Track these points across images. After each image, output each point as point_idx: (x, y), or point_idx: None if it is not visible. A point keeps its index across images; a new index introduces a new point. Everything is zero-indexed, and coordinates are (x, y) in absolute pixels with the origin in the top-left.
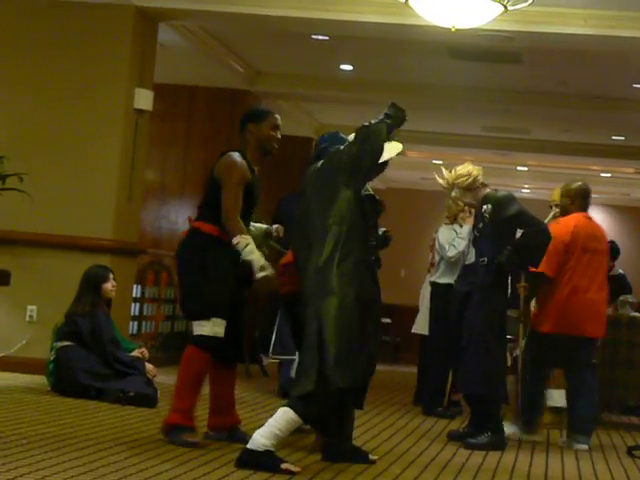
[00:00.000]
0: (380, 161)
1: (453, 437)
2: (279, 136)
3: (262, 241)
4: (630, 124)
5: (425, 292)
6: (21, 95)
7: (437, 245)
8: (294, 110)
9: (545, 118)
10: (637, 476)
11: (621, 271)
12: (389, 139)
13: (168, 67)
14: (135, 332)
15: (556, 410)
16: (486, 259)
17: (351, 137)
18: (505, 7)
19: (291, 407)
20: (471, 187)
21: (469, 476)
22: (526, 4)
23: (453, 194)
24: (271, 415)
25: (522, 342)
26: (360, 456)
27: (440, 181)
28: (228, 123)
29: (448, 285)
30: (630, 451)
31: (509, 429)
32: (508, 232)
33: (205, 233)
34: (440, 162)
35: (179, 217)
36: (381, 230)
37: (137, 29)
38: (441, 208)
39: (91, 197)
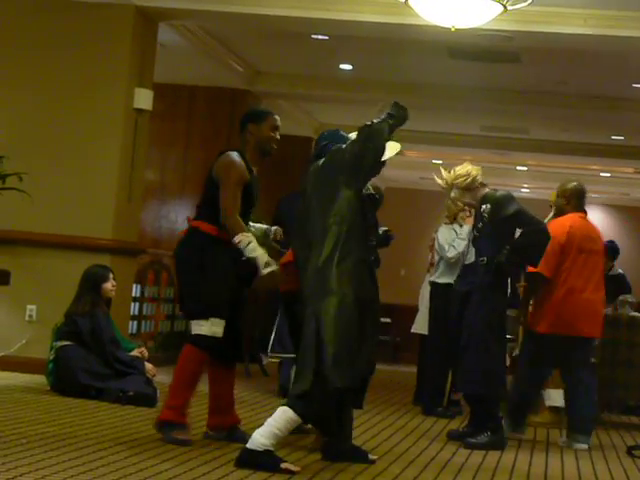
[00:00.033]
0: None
1: (453, 437)
2: (278, 137)
3: (263, 241)
4: (629, 124)
5: (425, 292)
6: (21, 95)
7: (437, 245)
8: (294, 110)
9: (544, 118)
10: (637, 476)
11: (620, 271)
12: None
13: (168, 67)
14: (135, 332)
15: (555, 410)
16: (485, 259)
17: (352, 135)
18: (504, 7)
19: (290, 406)
20: (470, 187)
21: (469, 476)
22: (525, 4)
23: (452, 194)
24: (271, 415)
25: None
26: (360, 455)
27: (439, 181)
28: (228, 123)
29: (447, 285)
30: (630, 451)
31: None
32: (507, 232)
33: (204, 232)
34: (439, 162)
35: (179, 217)
36: (382, 229)
37: (137, 29)
38: (441, 208)
39: (91, 197)
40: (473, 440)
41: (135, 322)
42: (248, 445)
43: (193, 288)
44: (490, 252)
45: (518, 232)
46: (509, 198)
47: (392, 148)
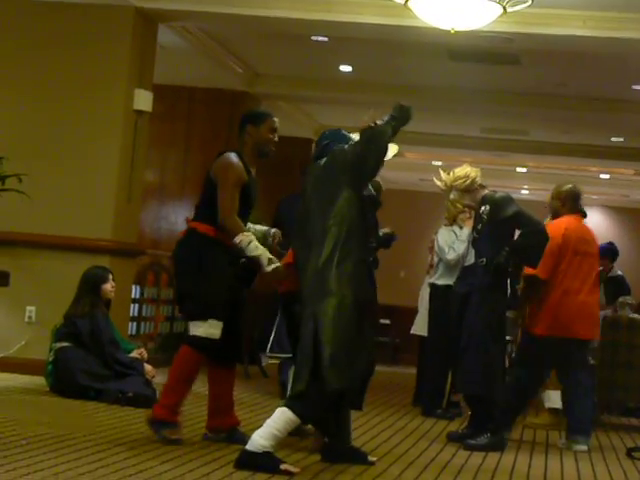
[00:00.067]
0: None
1: (452, 438)
2: (277, 139)
3: (263, 242)
4: (629, 125)
5: (424, 293)
6: (21, 96)
7: (436, 247)
8: (293, 111)
9: (544, 119)
10: (636, 478)
11: (620, 272)
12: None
13: (167, 68)
14: (134, 333)
15: (555, 411)
16: (485, 260)
17: (354, 136)
18: (504, 8)
19: (288, 407)
20: (469, 189)
21: (468, 477)
22: (525, 5)
23: (451, 196)
24: (270, 416)
25: None
26: (359, 457)
27: (438, 183)
28: (227, 124)
29: (447, 286)
30: (629, 453)
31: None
32: (506, 233)
33: (201, 233)
34: (439, 163)
35: (178, 218)
36: (383, 231)
37: (137, 30)
38: (440, 209)
39: (90, 198)
40: (473, 441)
41: (134, 323)
42: (247, 447)
43: (191, 289)
44: (489, 253)
45: (517, 233)
46: (508, 199)
47: (390, 150)
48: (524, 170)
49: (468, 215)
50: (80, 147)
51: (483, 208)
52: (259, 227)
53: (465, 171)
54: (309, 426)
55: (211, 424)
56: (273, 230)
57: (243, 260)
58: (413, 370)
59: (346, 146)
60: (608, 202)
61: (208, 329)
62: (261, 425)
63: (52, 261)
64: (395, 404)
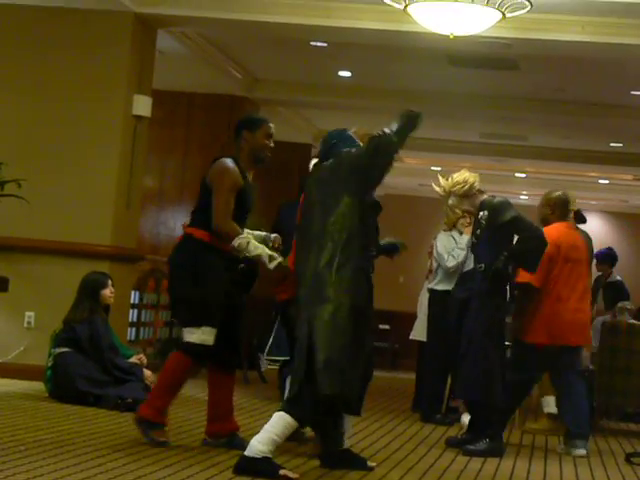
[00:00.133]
0: None
1: (451, 443)
2: (272, 144)
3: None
4: (628, 131)
5: (423, 299)
6: (20, 101)
7: (435, 253)
8: (293, 116)
9: (543, 125)
10: None
11: (619, 278)
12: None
13: (167, 74)
14: (133, 338)
15: (553, 417)
16: (483, 265)
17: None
18: (503, 14)
19: (286, 411)
20: (468, 194)
21: None
22: (524, 11)
23: (450, 202)
24: (268, 421)
25: None
26: (358, 462)
27: (437, 189)
28: (227, 130)
29: (446, 292)
30: (628, 458)
31: (465, 418)
32: (505, 238)
33: (197, 239)
34: (438, 169)
35: (177, 223)
36: (387, 240)
37: (136, 36)
38: (439, 215)
39: (89, 203)
40: (472, 447)
41: (134, 329)
42: (246, 452)
43: (185, 295)
44: (488, 259)
45: (516, 239)
46: (506, 205)
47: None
48: (523, 175)
49: (468, 220)
50: (79, 152)
51: (482, 213)
52: (257, 233)
53: (463, 176)
54: (308, 432)
55: (210, 429)
56: (273, 235)
57: (242, 265)
58: (412, 375)
59: (353, 150)
60: (607, 207)
61: (201, 336)
62: (260, 430)
63: (51, 267)
64: (394, 409)
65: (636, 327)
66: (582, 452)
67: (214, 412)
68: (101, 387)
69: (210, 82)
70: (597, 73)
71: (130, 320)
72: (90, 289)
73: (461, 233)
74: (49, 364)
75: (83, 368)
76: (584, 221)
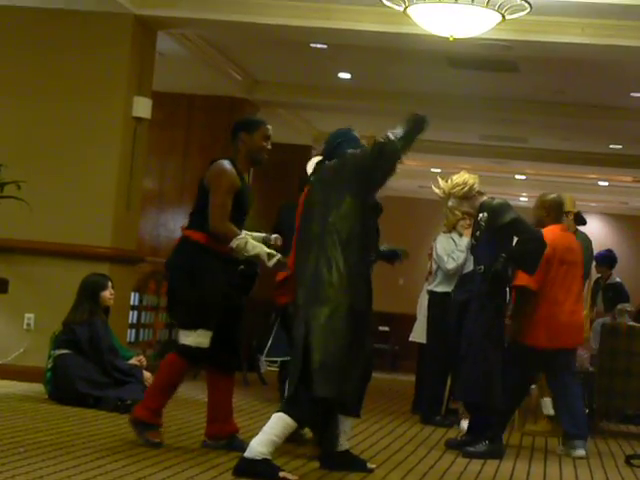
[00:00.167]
0: None
1: (451, 445)
2: (269, 146)
3: None
4: (628, 133)
5: (423, 300)
6: (20, 103)
7: (435, 255)
8: (293, 118)
9: (543, 127)
10: None
11: (618, 279)
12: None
13: (167, 75)
14: (133, 340)
15: (553, 418)
16: (483, 267)
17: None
18: (503, 16)
19: (285, 412)
20: (467, 196)
21: None
22: (524, 13)
23: (450, 203)
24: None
25: None
26: (358, 464)
27: (436, 191)
28: (226, 131)
29: (445, 294)
30: (628, 460)
31: (464, 424)
32: (504, 240)
33: (194, 241)
34: (438, 170)
35: (177, 225)
36: (387, 247)
37: (136, 37)
38: (439, 216)
39: (89, 205)
40: (471, 449)
41: (133, 330)
42: (246, 454)
43: (182, 297)
44: (487, 260)
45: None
46: (505, 206)
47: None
48: (523, 177)
49: (468, 222)
50: (79, 154)
51: (481, 215)
52: (256, 234)
53: (463, 178)
54: (307, 433)
55: (210, 431)
56: (274, 236)
57: (242, 267)
58: (412, 377)
59: (358, 151)
60: (607, 209)
61: (197, 338)
62: (259, 432)
63: (51, 268)
64: (394, 411)
65: (636, 329)
66: (581, 453)
67: (214, 414)
68: (101, 389)
69: (210, 84)
70: (597, 75)
71: (130, 322)
72: (90, 291)
73: (461, 235)
74: (49, 366)
75: (83, 370)
76: (584, 223)
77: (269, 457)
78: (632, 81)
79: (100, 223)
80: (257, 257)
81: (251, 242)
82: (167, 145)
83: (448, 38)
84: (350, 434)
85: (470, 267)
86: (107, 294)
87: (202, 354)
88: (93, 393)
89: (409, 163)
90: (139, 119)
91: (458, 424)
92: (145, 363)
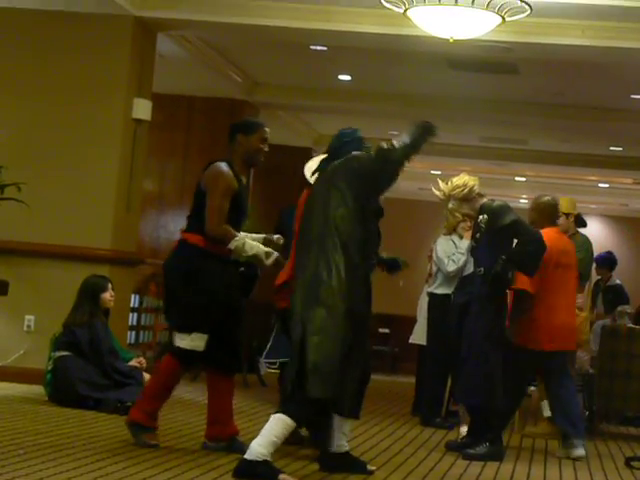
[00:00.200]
0: None
1: (451, 447)
2: (267, 149)
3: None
4: (628, 135)
5: (423, 302)
6: (20, 105)
7: (435, 257)
8: (292, 120)
9: (543, 129)
10: None
11: (618, 281)
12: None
13: (167, 77)
14: (133, 342)
15: (553, 420)
16: (483, 269)
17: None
18: (503, 18)
19: (283, 412)
20: (467, 198)
21: None
22: (524, 15)
23: (450, 205)
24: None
25: None
26: (358, 466)
27: (436, 193)
28: (226, 133)
29: (445, 296)
30: (628, 462)
31: (463, 429)
32: (504, 242)
33: (191, 244)
34: (438, 172)
35: (177, 227)
36: (388, 255)
37: (136, 39)
38: (439, 218)
39: (89, 207)
40: (472, 451)
41: (134, 332)
42: (246, 456)
43: (178, 300)
44: (487, 262)
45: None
46: (505, 208)
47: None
48: (523, 179)
49: (468, 224)
50: (79, 156)
51: (481, 217)
52: (255, 235)
53: (463, 180)
54: (303, 431)
55: (210, 433)
56: (276, 236)
57: (241, 269)
58: (412, 379)
59: (362, 154)
60: (607, 211)
61: (191, 342)
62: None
63: (51, 270)
64: (394, 413)
65: (636, 331)
66: (581, 452)
67: (214, 416)
68: (101, 391)
69: (210, 86)
70: (597, 77)
71: (130, 324)
72: (90, 293)
73: (461, 237)
74: (49, 368)
75: (83, 372)
76: (585, 225)
77: (269, 458)
78: (632, 83)
79: (100, 225)
80: (255, 257)
81: (249, 243)
82: (167, 147)
83: (448, 40)
84: (350, 436)
85: (470, 269)
86: (107, 296)
87: (197, 357)
88: (93, 395)
89: (409, 165)
90: (139, 121)
91: (459, 424)
92: (145, 365)
